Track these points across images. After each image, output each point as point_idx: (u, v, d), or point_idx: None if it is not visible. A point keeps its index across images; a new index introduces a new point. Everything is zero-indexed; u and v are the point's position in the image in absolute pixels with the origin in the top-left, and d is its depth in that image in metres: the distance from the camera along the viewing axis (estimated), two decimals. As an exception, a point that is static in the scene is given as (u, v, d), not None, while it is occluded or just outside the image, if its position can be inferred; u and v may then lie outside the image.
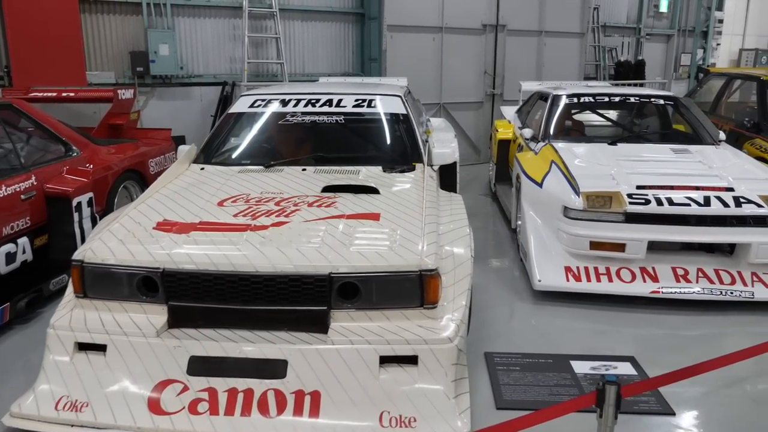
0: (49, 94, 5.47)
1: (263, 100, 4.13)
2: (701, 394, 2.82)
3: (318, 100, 4.06)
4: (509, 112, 6.96)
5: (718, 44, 12.52)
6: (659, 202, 3.72)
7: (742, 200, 3.73)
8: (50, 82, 5.65)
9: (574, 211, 3.83)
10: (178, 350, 2.43)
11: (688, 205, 3.71)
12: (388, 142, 4.01)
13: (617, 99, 5.49)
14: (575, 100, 5.43)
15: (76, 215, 4.00)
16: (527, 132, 5.26)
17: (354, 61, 8.39)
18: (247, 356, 2.41)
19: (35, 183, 3.84)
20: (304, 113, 4.00)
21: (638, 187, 3.85)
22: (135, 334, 2.48)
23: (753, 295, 3.66)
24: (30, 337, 3.39)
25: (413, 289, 2.48)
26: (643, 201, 3.74)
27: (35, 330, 3.44)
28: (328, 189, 3.17)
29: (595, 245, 3.78)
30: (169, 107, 7.21)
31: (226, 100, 7.34)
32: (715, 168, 4.20)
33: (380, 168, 3.55)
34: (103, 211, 4.25)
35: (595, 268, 3.83)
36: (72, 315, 2.61)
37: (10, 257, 3.55)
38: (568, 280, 3.81)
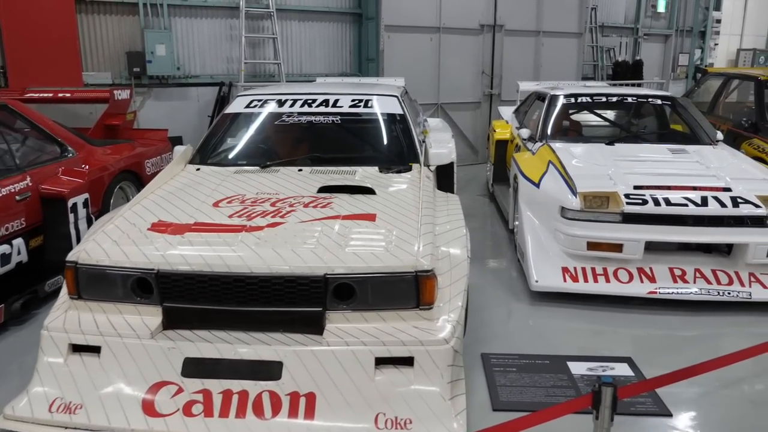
0: (45, 95, 5.45)
1: (259, 101, 4.12)
2: (698, 395, 2.82)
3: (314, 101, 4.05)
4: (507, 112, 6.95)
5: (715, 44, 12.52)
6: (656, 203, 3.71)
7: (739, 200, 3.72)
8: (46, 83, 5.63)
9: (571, 212, 3.82)
10: (172, 352, 2.42)
11: (686, 205, 3.71)
12: (385, 142, 4.00)
13: (615, 99, 5.48)
14: (572, 100, 5.43)
15: (71, 216, 3.98)
16: (524, 132, 5.26)
17: (351, 61, 8.38)
18: (241, 358, 2.40)
19: (30, 184, 3.83)
20: (300, 113, 3.99)
21: (635, 188, 3.85)
22: (129, 336, 2.47)
23: (750, 295, 3.65)
24: (25, 338, 3.38)
25: (409, 290, 2.47)
26: (640, 201, 3.73)
27: (30, 331, 3.43)
28: (324, 189, 3.15)
29: (592, 245, 3.77)
30: (166, 108, 7.20)
31: (223, 101, 7.32)
32: (713, 168, 4.20)
33: (377, 168, 3.54)
34: (99, 212, 4.23)
35: (593, 269, 3.82)
36: (66, 316, 2.60)
37: (5, 258, 3.53)
38: (565, 281, 3.80)
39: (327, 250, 2.53)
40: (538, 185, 4.19)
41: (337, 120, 3.94)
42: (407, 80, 6.47)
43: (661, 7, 11.61)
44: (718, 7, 12.34)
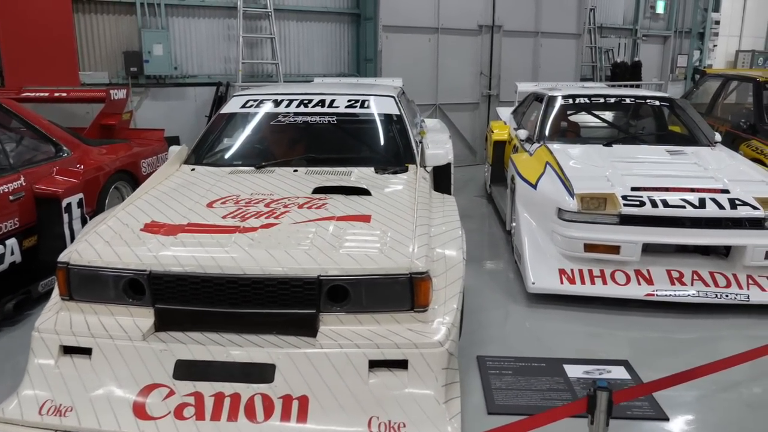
0: (42, 95, 5.42)
1: (255, 101, 4.09)
2: (695, 399, 2.79)
3: (310, 101, 4.02)
4: (505, 113, 6.93)
5: (714, 45, 12.51)
6: (654, 204, 3.69)
7: (737, 202, 3.70)
8: (43, 82, 5.60)
9: (568, 213, 3.80)
10: (164, 354, 2.40)
11: (683, 207, 3.69)
12: (381, 143, 3.98)
13: (613, 100, 5.46)
14: (570, 101, 5.41)
15: (65, 216, 3.95)
16: (522, 133, 5.24)
17: (349, 61, 8.36)
18: (234, 360, 2.37)
19: (24, 184, 3.80)
20: (296, 114, 3.96)
21: (633, 189, 3.83)
22: (121, 338, 2.45)
23: (748, 298, 3.63)
24: (18, 339, 3.35)
25: (403, 292, 2.45)
26: (637, 203, 3.71)
27: (23, 332, 3.40)
28: (319, 190, 3.13)
29: (589, 247, 3.75)
30: (163, 107, 7.17)
31: (220, 101, 7.29)
32: (711, 170, 4.18)
33: (372, 169, 3.52)
34: (94, 212, 4.20)
35: (590, 271, 3.80)
36: (57, 318, 2.57)
37: (-3, 258, 3.51)
38: (562, 283, 3.77)
39: (321, 252, 2.51)
40: (535, 186, 4.17)
41: (333, 120, 3.92)
42: (405, 81, 6.45)
43: (660, 9, 11.59)
44: (716, 9, 12.33)
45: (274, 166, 3.58)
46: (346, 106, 3.99)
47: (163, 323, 2.51)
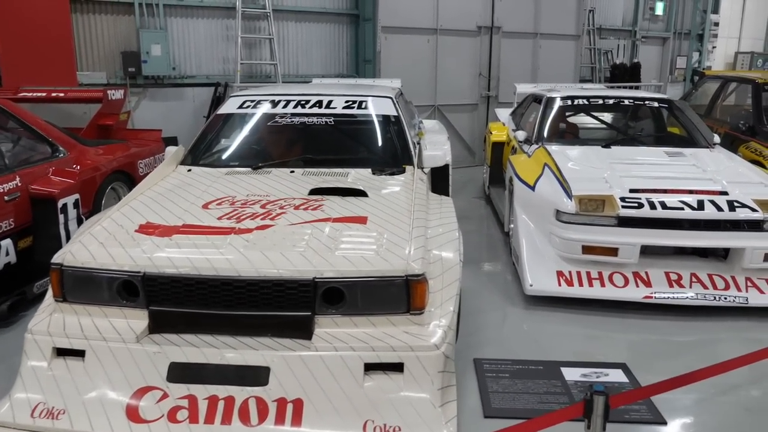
0: (39, 95, 5.41)
1: (252, 101, 4.08)
2: (693, 402, 2.78)
3: (308, 102, 4.01)
4: (504, 114, 6.91)
5: (713, 47, 12.51)
6: (652, 206, 3.68)
7: (736, 204, 3.69)
8: (40, 82, 5.59)
9: (566, 215, 3.78)
10: (157, 356, 2.38)
11: (682, 209, 3.67)
12: (378, 144, 3.96)
13: (611, 101, 5.45)
14: (569, 102, 5.39)
15: (61, 217, 3.94)
16: (521, 134, 5.22)
17: (348, 62, 8.35)
18: (228, 363, 2.35)
19: (20, 184, 3.78)
20: (293, 115, 3.94)
21: (631, 191, 3.81)
22: (114, 340, 2.43)
23: (747, 300, 3.61)
24: (12, 341, 3.32)
25: (399, 295, 2.43)
26: (636, 205, 3.69)
27: (18, 334, 3.36)
28: (315, 191, 3.11)
29: (587, 249, 3.73)
30: (161, 108, 7.16)
31: (218, 101, 7.27)
32: (709, 171, 4.16)
33: (369, 170, 3.50)
34: (90, 213, 4.18)
35: (588, 273, 3.78)
36: (51, 319, 2.56)
37: (-8, 259, 3.49)
38: (560, 285, 3.76)
39: (316, 254, 2.49)
40: (533, 188, 4.15)
41: (330, 121, 3.90)
42: (404, 82, 6.44)
43: (659, 10, 11.59)
44: (716, 10, 12.33)
45: (270, 167, 3.56)
46: (344, 107, 3.97)
47: (157, 325, 2.49)
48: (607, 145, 4.79)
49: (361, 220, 2.79)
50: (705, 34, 12.22)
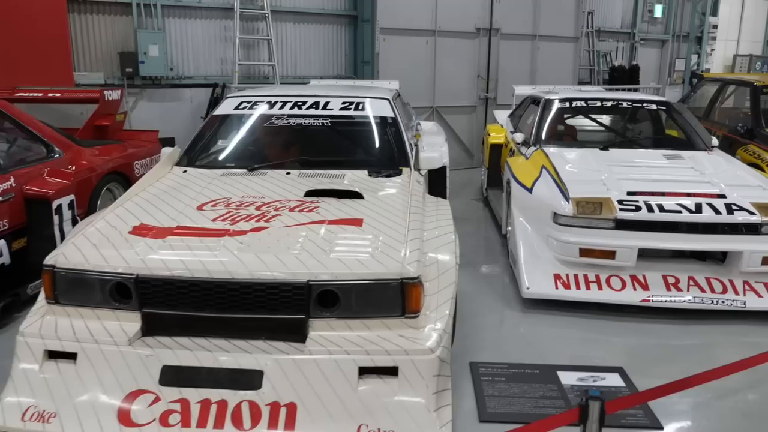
0: (35, 95, 5.40)
1: (249, 102, 4.05)
2: (690, 407, 2.76)
3: (304, 103, 3.99)
4: (502, 116, 6.90)
5: (712, 50, 12.52)
6: (650, 209, 3.66)
7: (734, 207, 3.67)
8: (37, 83, 5.57)
9: (563, 218, 3.76)
10: (150, 359, 2.35)
11: (679, 212, 3.65)
12: (375, 145, 3.93)
13: (609, 104, 5.43)
14: (567, 104, 5.38)
15: (56, 218, 3.91)
16: (518, 136, 5.20)
17: (347, 63, 8.33)
18: (221, 366, 2.33)
19: (14, 185, 3.75)
20: (290, 116, 3.92)
21: (629, 194, 3.80)
22: (106, 342, 2.40)
23: (744, 304, 3.60)
24: (5, 343, 3.28)
25: (394, 298, 2.41)
26: (633, 207, 3.68)
27: (11, 335, 3.30)
28: (311, 193, 3.09)
29: (584, 252, 3.71)
30: (158, 109, 7.14)
31: (216, 102, 7.25)
32: (707, 174, 4.15)
33: (366, 172, 3.48)
34: (85, 214, 4.16)
35: (585, 276, 3.76)
36: (43, 322, 2.53)
37: (-14, 260, 3.47)
38: (557, 288, 3.74)
39: (311, 256, 2.47)
40: (530, 190, 4.13)
41: (326, 123, 3.88)
42: (403, 83, 6.42)
43: (658, 12, 11.60)
44: (714, 13, 12.35)
45: (266, 168, 3.54)
46: (340, 109, 3.95)
47: (150, 328, 2.46)
48: (605, 148, 4.78)
49: (357, 222, 2.77)
50: (704, 36, 12.23)
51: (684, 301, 3.61)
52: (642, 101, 5.47)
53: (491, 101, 8.62)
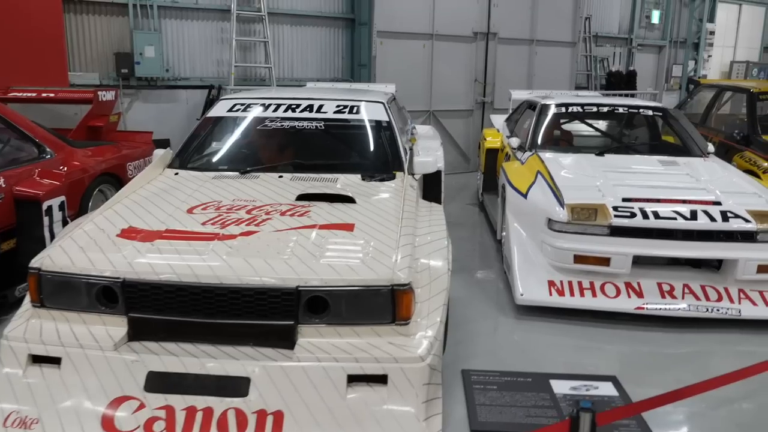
0: (29, 95, 5.37)
1: (242, 105, 4.02)
2: (684, 417, 2.73)
3: (298, 106, 3.96)
4: (499, 120, 6.88)
5: (709, 56, 12.53)
6: (645, 216, 3.64)
7: (729, 215, 3.65)
8: (31, 82, 5.53)
9: (558, 224, 3.74)
10: (135, 365, 2.31)
11: (675, 219, 3.63)
12: (369, 149, 3.91)
13: (606, 109, 5.41)
14: (563, 109, 5.36)
15: (46, 219, 3.86)
16: (514, 141, 5.18)
17: (343, 66, 8.30)
18: (208, 373, 2.29)
19: (3, 185, 3.71)
20: (283, 119, 3.89)
21: (624, 200, 3.77)
22: (91, 347, 2.36)
23: (740, 312, 3.57)
24: (-9, 346, 3.25)
25: (385, 305, 2.38)
26: (628, 214, 3.65)
27: (-3, 339, 3.30)
28: (302, 197, 3.06)
29: (579, 259, 3.68)
30: (154, 110, 7.09)
31: (212, 104, 7.21)
32: (703, 181, 4.13)
33: (359, 176, 3.45)
34: (76, 215, 4.11)
35: (579, 283, 3.73)
36: (27, 325, 2.49)
37: (-27, 262, 3.42)
38: (551, 294, 3.71)
39: (301, 261, 2.44)
40: (525, 196, 4.11)
41: (320, 126, 3.84)
42: (399, 87, 6.39)
43: (655, 18, 11.61)
44: (711, 19, 12.36)
45: (258, 171, 3.50)
46: (334, 112, 3.92)
47: (137, 333, 2.43)
48: (600, 153, 4.76)
49: (348, 227, 2.74)
50: (701, 42, 12.25)
51: (679, 309, 3.58)
52: (638, 107, 5.46)
53: (488, 105, 8.60)
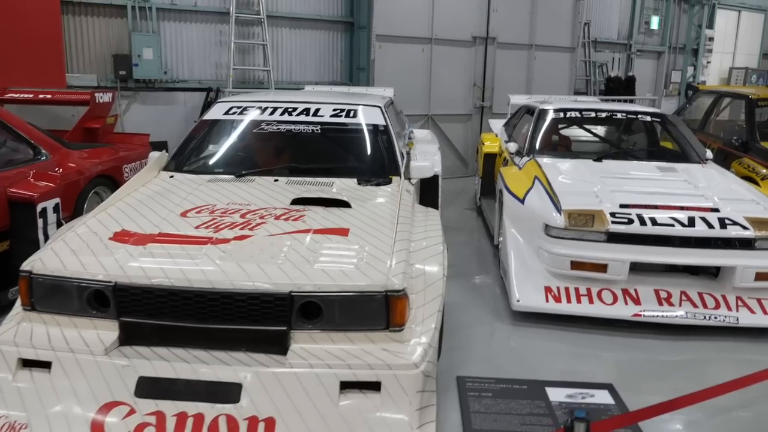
0: (26, 96, 5.34)
1: (239, 108, 4.00)
2: (680, 425, 2.70)
3: (295, 109, 3.93)
4: (497, 125, 6.86)
5: (708, 62, 12.54)
6: (642, 222, 3.62)
7: (727, 222, 3.63)
8: (29, 84, 5.52)
9: (555, 230, 3.72)
10: (126, 370, 2.29)
11: (672, 225, 3.61)
12: (365, 153, 3.88)
13: (604, 115, 5.40)
14: (561, 114, 5.34)
15: (40, 221, 3.84)
16: (512, 146, 5.16)
17: (342, 69, 8.30)
18: (199, 378, 2.26)
19: (-3, 187, 3.69)
20: (279, 122, 3.87)
21: (621, 206, 3.75)
22: (82, 352, 2.33)
23: (737, 320, 3.55)
24: (-17, 349, 3.22)
25: (378, 311, 2.35)
26: (626, 220, 3.63)
27: (-11, 342, 3.27)
28: (297, 201, 3.03)
29: (576, 265, 3.66)
30: (152, 112, 7.09)
31: (210, 107, 7.20)
32: (701, 187, 4.11)
33: (355, 180, 3.43)
34: (71, 217, 4.09)
35: (576, 289, 3.71)
36: (18, 329, 2.46)
37: (-35, 264, 3.40)
38: (547, 301, 3.68)
39: (294, 267, 2.41)
40: (522, 201, 4.09)
41: (316, 130, 3.82)
42: (398, 90, 6.38)
43: (655, 24, 11.62)
44: (711, 25, 12.38)
45: (254, 175, 3.48)
46: (331, 116, 3.90)
47: (128, 337, 2.40)
48: (598, 159, 4.74)
49: (343, 232, 2.71)
50: (700, 48, 12.26)
51: (676, 316, 3.56)
52: (637, 113, 5.44)
53: (487, 110, 8.59)
